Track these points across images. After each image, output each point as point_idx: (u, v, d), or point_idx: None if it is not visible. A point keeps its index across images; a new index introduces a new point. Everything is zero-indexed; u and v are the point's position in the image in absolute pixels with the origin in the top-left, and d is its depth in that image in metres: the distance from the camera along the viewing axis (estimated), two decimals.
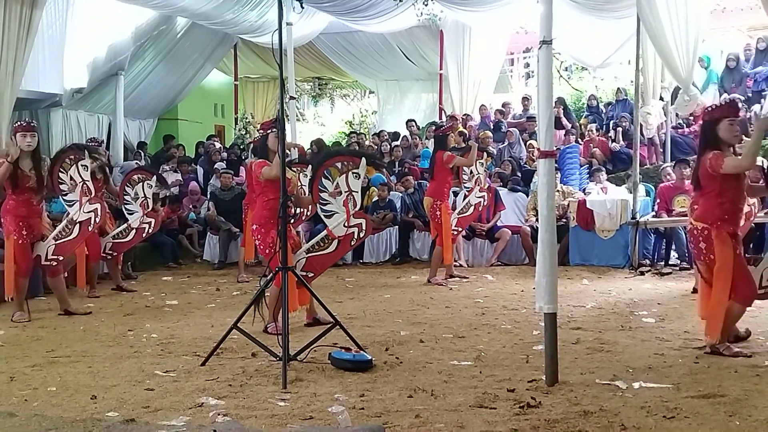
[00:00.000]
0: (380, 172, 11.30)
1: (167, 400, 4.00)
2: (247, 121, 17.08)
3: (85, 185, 7.24)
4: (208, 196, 11.79)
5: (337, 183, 5.83)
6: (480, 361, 4.79)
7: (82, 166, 7.25)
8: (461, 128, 13.52)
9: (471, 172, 9.12)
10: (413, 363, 4.76)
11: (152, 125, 15.62)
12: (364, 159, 5.94)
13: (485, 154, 9.54)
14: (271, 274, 5.27)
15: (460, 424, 3.53)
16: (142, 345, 5.53)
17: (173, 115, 16.07)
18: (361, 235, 6.04)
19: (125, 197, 8.59)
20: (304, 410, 3.79)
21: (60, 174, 7.17)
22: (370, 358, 4.69)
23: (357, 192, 5.91)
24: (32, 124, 6.94)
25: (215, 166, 12.81)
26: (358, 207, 5.96)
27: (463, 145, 12.41)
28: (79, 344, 5.60)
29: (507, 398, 3.92)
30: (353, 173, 5.86)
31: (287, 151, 10.03)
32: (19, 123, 6.98)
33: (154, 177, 8.90)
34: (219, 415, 3.72)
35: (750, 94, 12.00)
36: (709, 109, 5.11)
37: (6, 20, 9.56)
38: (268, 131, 5.96)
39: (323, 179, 5.85)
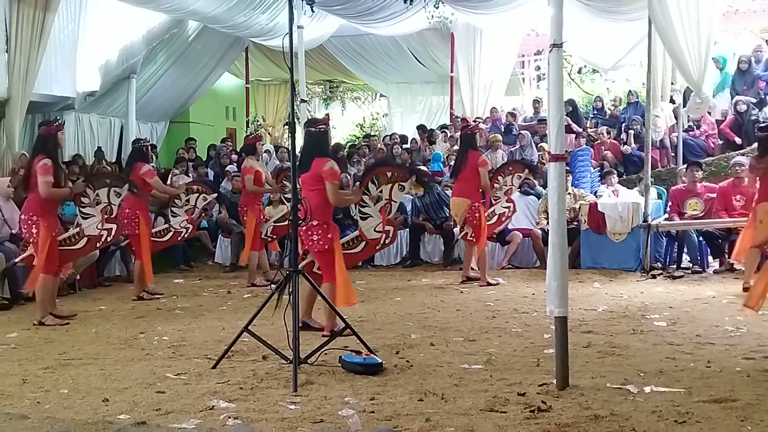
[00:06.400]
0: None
1: (178, 403, 4.02)
2: (259, 123, 17.14)
3: (109, 207, 7.38)
4: None
5: (382, 189, 6.15)
6: (490, 365, 4.78)
7: (115, 192, 7.40)
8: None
9: (506, 182, 8.92)
10: (424, 366, 4.76)
11: (164, 128, 15.68)
12: (414, 176, 6.25)
13: (527, 169, 9.28)
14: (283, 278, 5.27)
15: (471, 428, 3.53)
16: (153, 348, 5.56)
17: (185, 118, 16.10)
18: (387, 241, 6.39)
19: (176, 200, 8.91)
20: (315, 413, 3.79)
21: (87, 189, 7.26)
22: (380, 361, 4.69)
23: (396, 202, 6.28)
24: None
25: (226, 168, 12.84)
26: (392, 215, 6.33)
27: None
28: (91, 347, 5.64)
29: (518, 402, 3.91)
30: (399, 185, 6.18)
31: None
32: None
33: (214, 195, 9.34)
34: (230, 418, 3.74)
35: (762, 96, 11.92)
36: None
37: (19, 24, 9.65)
38: None
39: (370, 183, 6.17)
